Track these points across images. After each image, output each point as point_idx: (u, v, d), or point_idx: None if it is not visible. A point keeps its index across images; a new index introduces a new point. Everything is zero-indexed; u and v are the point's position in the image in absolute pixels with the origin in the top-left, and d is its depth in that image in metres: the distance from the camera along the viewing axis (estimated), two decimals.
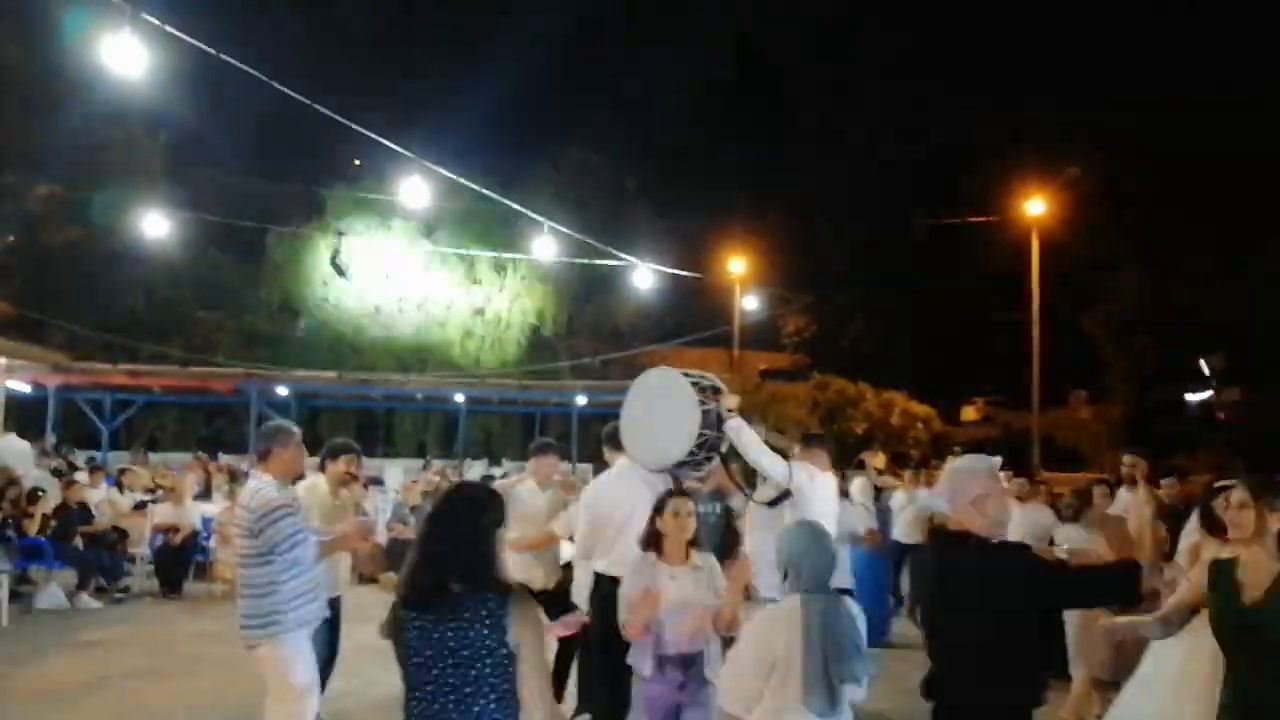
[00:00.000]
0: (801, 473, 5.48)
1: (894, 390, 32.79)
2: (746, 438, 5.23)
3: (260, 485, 5.45)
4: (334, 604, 6.32)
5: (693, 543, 4.75)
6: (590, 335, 35.40)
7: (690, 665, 4.59)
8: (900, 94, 46.13)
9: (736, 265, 35.21)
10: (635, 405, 5.60)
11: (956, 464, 4.01)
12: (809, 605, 3.91)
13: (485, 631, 3.02)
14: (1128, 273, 35.32)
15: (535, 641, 3.13)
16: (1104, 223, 34.68)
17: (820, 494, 5.53)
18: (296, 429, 5.74)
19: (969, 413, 39.92)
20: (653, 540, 4.73)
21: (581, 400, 26.71)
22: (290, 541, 5.29)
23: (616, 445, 6.19)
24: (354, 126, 11.24)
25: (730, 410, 5.19)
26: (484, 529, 3.18)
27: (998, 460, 3.99)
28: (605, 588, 5.46)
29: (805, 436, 6.56)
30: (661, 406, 5.34)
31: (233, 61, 9.41)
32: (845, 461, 24.55)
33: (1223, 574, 3.86)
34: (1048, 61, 44.98)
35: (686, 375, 5.42)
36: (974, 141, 39.43)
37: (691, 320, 35.04)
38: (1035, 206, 28.20)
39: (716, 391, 5.28)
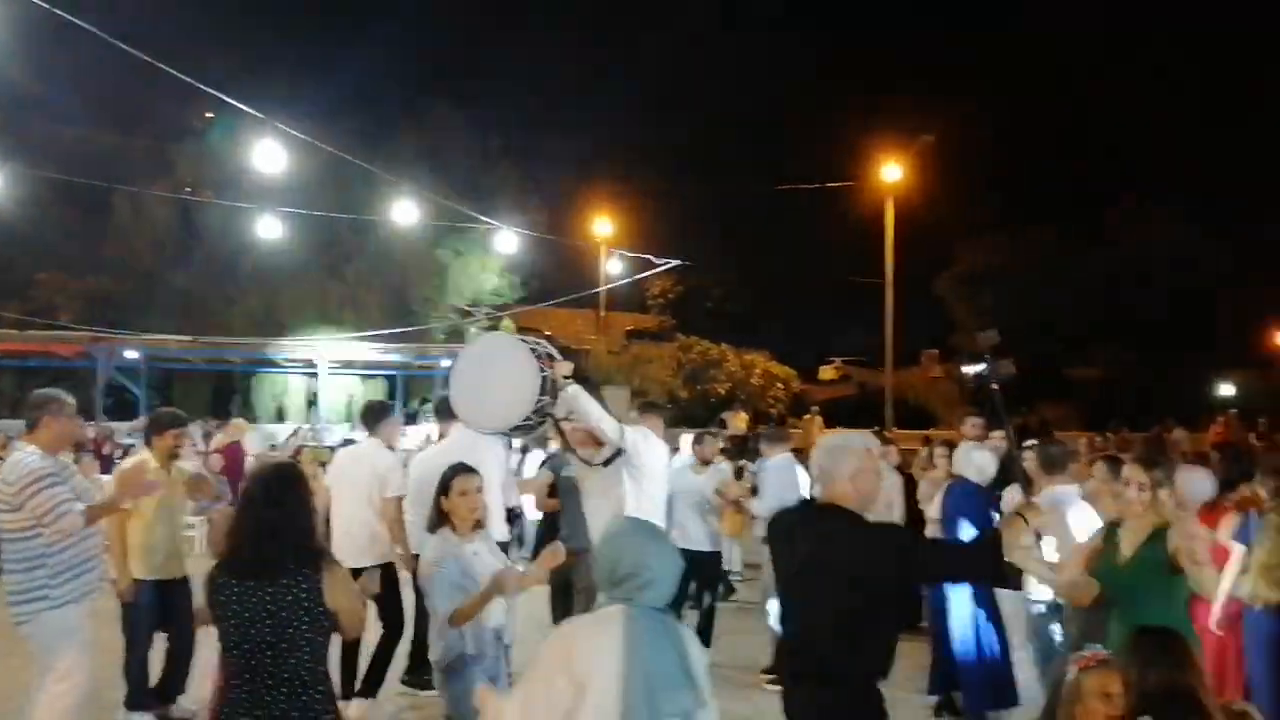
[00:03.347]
0: (636, 434, 5.62)
1: (756, 351, 33.52)
2: (584, 402, 5.34)
3: (22, 456, 5.25)
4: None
5: (479, 524, 4.72)
6: (455, 297, 35.06)
7: (500, 636, 4.64)
8: (764, 59, 46.69)
9: (603, 227, 35.29)
10: (469, 370, 5.65)
11: (833, 440, 4.10)
12: (634, 621, 3.07)
13: (304, 596, 3.44)
14: (979, 237, 36.86)
15: (349, 606, 3.60)
16: (956, 188, 36.01)
17: (654, 455, 5.68)
18: (70, 398, 5.57)
19: (827, 373, 41.08)
20: (441, 520, 4.62)
21: (446, 363, 26.50)
22: (55, 512, 5.11)
23: (447, 416, 6.24)
24: (201, 87, 10.86)
25: (566, 377, 5.30)
26: (294, 504, 3.59)
27: (875, 441, 4.16)
28: None
29: (642, 404, 6.70)
30: (499, 371, 5.40)
31: (68, 17, 8.98)
32: (708, 421, 25.08)
33: (1109, 536, 4.61)
34: (909, 31, 46.18)
35: (524, 340, 5.51)
36: (834, 108, 40.27)
37: (558, 281, 35.05)
38: (891, 172, 29.05)
39: (552, 358, 5.38)
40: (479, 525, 4.71)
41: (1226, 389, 39.97)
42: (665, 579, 3.15)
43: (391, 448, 7.24)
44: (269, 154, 15.05)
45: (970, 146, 36.38)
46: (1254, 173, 39.99)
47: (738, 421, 15.02)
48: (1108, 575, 4.55)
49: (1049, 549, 5.30)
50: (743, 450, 12.79)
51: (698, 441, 8.16)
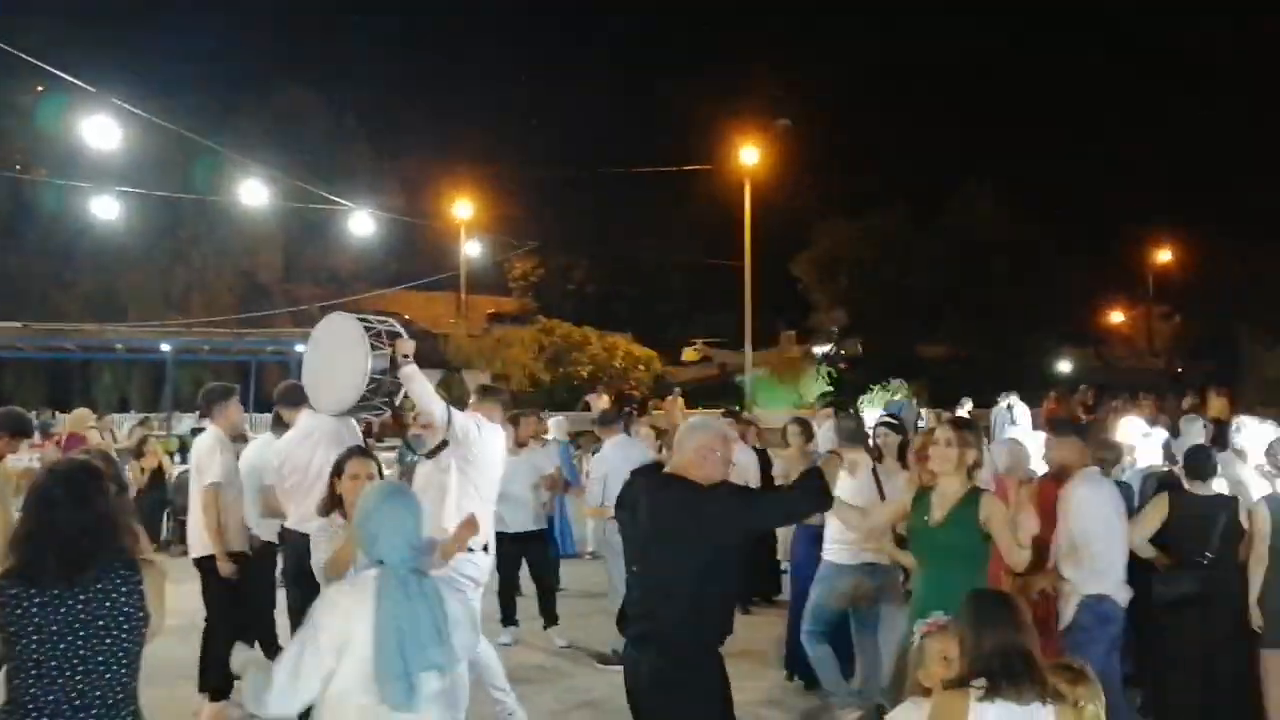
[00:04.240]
0: (468, 421, 5.55)
1: (618, 334, 33.65)
2: (416, 384, 5.25)
3: None
4: None
5: None
6: (310, 281, 34.10)
7: None
8: (625, 40, 46.79)
9: (462, 209, 34.82)
10: (314, 353, 5.55)
11: (692, 420, 4.29)
12: (385, 579, 3.34)
13: (122, 601, 3.13)
14: (834, 220, 37.77)
15: (162, 608, 3.28)
16: (812, 172, 36.82)
17: (487, 443, 5.61)
18: None
19: (689, 354, 41.47)
20: (334, 503, 4.48)
21: (301, 348, 25.74)
22: None
23: (292, 402, 6.10)
24: (30, 59, 10.24)
25: (406, 356, 5.20)
26: (105, 503, 3.25)
27: (730, 428, 4.26)
28: (296, 540, 5.42)
29: (481, 388, 6.59)
30: (337, 352, 5.31)
31: None
32: (571, 404, 25.03)
33: (921, 499, 4.78)
34: (769, 14, 46.94)
35: (362, 319, 5.40)
36: (693, 93, 40.65)
37: (417, 264, 34.44)
38: (749, 155, 29.52)
39: (394, 336, 5.27)
40: None
41: (1064, 365, 42.12)
42: (388, 536, 3.39)
43: (241, 434, 6.97)
44: (103, 130, 14.31)
45: (826, 130, 37.20)
46: (1094, 157, 41.91)
47: (601, 404, 15.14)
48: (918, 536, 4.76)
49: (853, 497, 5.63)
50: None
51: (512, 423, 8.12)
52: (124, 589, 3.15)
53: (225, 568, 6.29)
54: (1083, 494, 5.40)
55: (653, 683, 3.85)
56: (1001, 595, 3.56)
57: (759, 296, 29.45)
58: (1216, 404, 9.20)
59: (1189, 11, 45.46)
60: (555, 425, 12.38)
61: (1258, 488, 6.16)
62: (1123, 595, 5.31)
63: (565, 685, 7.25)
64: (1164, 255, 40.77)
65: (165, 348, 26.86)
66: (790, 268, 37.71)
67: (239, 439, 7.02)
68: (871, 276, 35.41)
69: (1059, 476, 5.68)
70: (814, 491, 4.15)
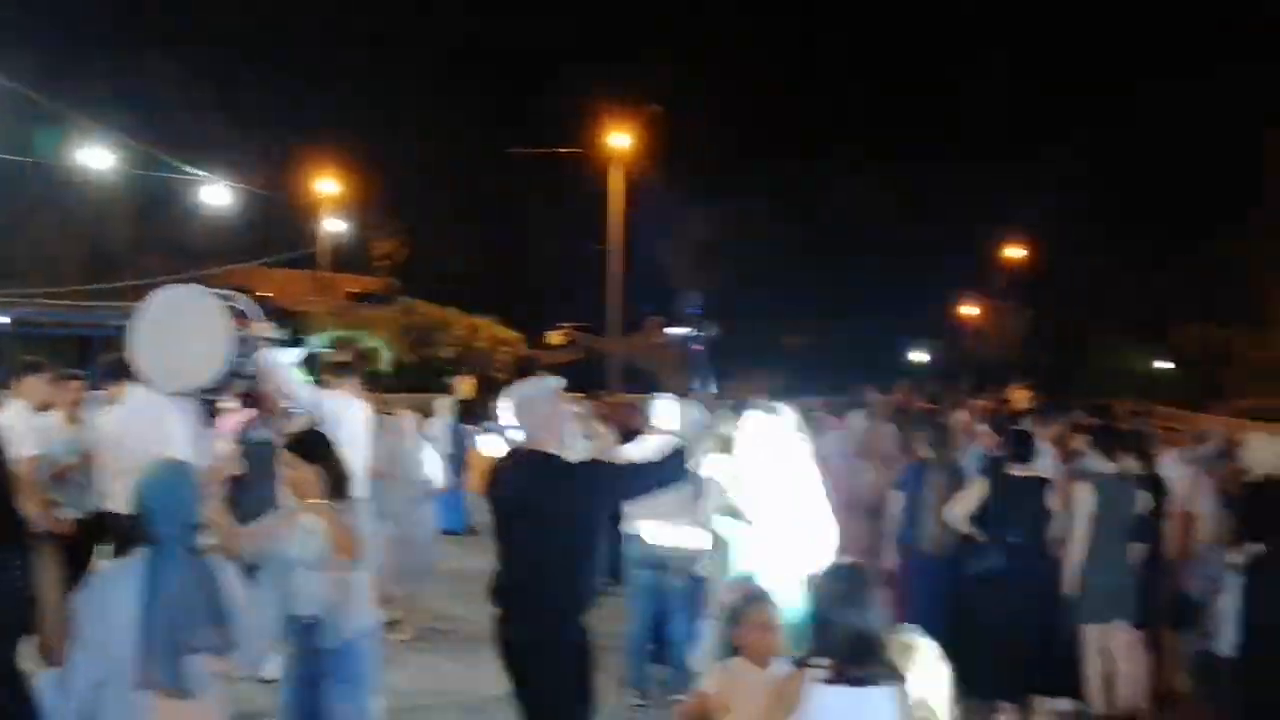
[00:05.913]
0: (335, 402, 5.48)
1: (484, 316, 33.35)
2: (278, 367, 5.16)
3: None
4: None
5: None
6: (161, 252, 32.71)
7: None
8: (499, 20, 46.24)
9: (325, 184, 33.97)
10: (154, 327, 5.33)
11: (522, 389, 4.29)
12: (156, 561, 3.27)
13: (16, 578, 3.09)
14: (702, 207, 38.21)
15: (56, 586, 3.22)
16: (684, 158, 37.10)
17: (351, 422, 5.55)
18: None
19: (555, 337, 41.37)
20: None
21: None
22: None
23: (119, 376, 5.91)
24: None
25: (263, 336, 5.10)
26: None
27: (559, 382, 4.30)
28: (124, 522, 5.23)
29: (335, 365, 6.49)
30: (186, 328, 5.14)
31: None
32: (435, 386, 24.73)
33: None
34: (644, 3, 47.00)
35: (219, 296, 5.25)
36: (561, 74, 40.47)
37: (276, 240, 33.40)
38: (619, 140, 29.63)
39: (244, 316, 5.16)
40: None
41: (920, 356, 43.62)
42: (162, 512, 3.32)
43: (47, 407, 6.72)
44: None
45: (698, 116, 37.47)
46: (957, 146, 43.16)
47: (465, 386, 14.98)
48: (727, 514, 5.07)
49: None
50: (471, 415, 12.93)
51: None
52: (19, 566, 3.11)
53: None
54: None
55: (524, 653, 3.95)
56: (855, 572, 3.57)
57: (628, 281, 29.63)
58: (1019, 395, 9.81)
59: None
60: (439, 405, 12.59)
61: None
62: None
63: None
64: (1017, 252, 42.51)
65: (3, 320, 25.46)
66: (659, 253, 37.96)
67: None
68: (733, 265, 35.96)
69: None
70: (677, 461, 4.24)
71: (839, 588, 3.31)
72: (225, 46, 38.08)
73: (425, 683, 6.78)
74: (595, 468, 4.22)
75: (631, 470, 4.42)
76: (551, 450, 4.02)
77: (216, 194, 21.60)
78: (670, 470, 4.37)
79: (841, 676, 3.12)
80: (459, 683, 6.75)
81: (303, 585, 4.26)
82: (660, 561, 6.29)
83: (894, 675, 3.19)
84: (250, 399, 6.49)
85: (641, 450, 8.07)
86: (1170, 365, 37.47)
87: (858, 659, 3.13)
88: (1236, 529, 6.02)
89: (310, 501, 4.34)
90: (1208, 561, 6.48)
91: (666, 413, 8.42)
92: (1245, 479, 6.24)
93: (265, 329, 5.10)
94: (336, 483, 4.47)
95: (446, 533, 10.48)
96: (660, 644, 6.51)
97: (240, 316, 5.07)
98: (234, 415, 6.53)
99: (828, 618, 3.22)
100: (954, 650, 4.87)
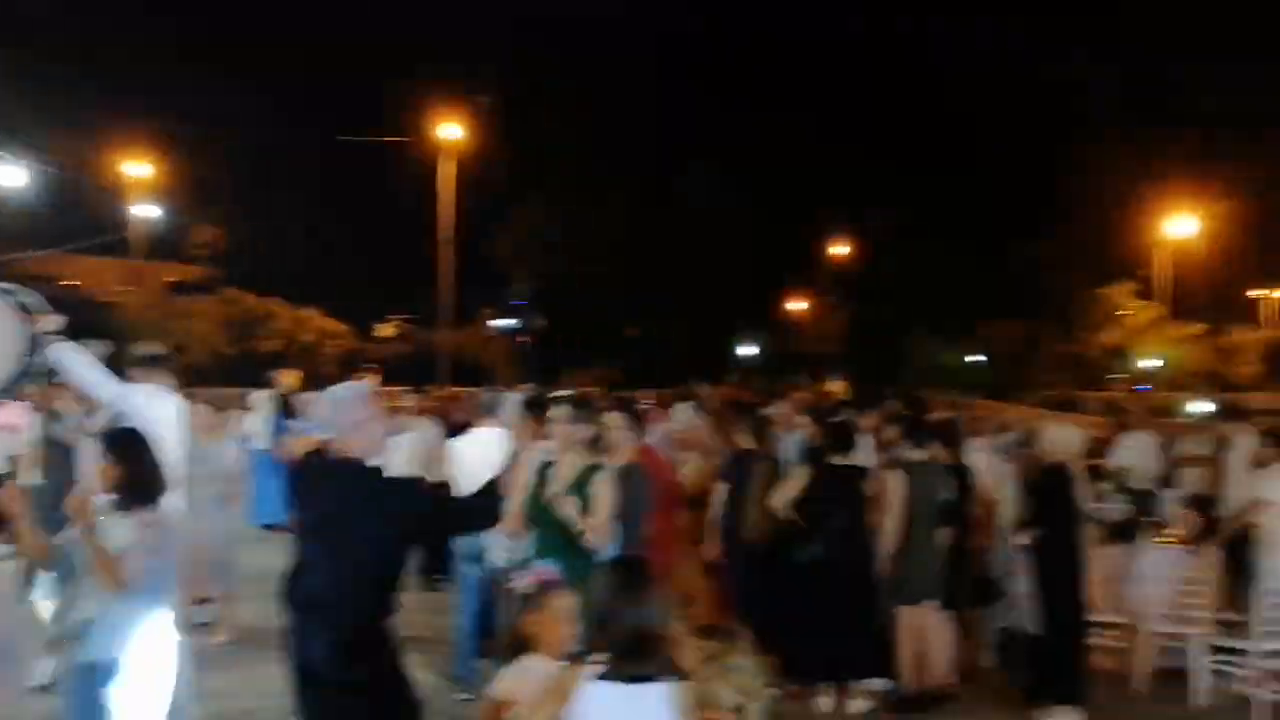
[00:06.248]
0: (139, 394, 5.23)
1: (310, 307, 32.41)
2: (73, 362, 4.89)
3: None
4: None
5: None
6: None
7: None
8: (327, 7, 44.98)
9: (137, 168, 32.23)
10: None
11: (334, 392, 4.19)
12: None
13: None
14: (532, 198, 38.09)
15: None
16: (515, 150, 36.88)
17: (160, 416, 5.30)
18: None
19: (385, 330, 40.59)
20: None
21: None
22: None
23: None
24: None
25: (53, 332, 4.80)
26: None
27: (369, 385, 4.22)
28: None
29: (147, 357, 6.15)
30: None
31: None
32: (256, 379, 23.86)
33: (542, 471, 5.28)
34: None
35: (4, 291, 4.91)
36: (394, 65, 39.64)
37: (81, 224, 31.48)
38: (449, 131, 29.28)
39: (28, 310, 4.83)
40: None
41: (748, 349, 44.68)
42: None
43: None
44: None
45: (531, 108, 37.27)
46: (791, 147, 44.22)
47: (289, 380, 14.50)
48: (533, 505, 5.24)
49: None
50: (294, 410, 12.54)
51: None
52: None
53: None
54: None
55: (320, 659, 3.83)
56: (639, 566, 3.56)
57: (460, 273, 29.34)
58: (837, 388, 10.29)
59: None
60: (257, 399, 12.64)
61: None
62: None
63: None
64: (841, 249, 43.96)
65: None
66: (488, 245, 37.69)
67: None
68: (563, 257, 36.05)
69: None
70: (492, 510, 4.31)
71: (619, 582, 3.27)
72: (28, 17, 35.71)
73: (247, 685, 6.54)
74: (409, 495, 4.07)
75: (448, 512, 4.24)
76: (362, 455, 3.92)
77: (12, 174, 20.13)
78: (487, 518, 4.41)
79: (617, 673, 3.09)
80: (283, 684, 6.54)
81: (80, 591, 4.10)
82: (486, 555, 6.27)
83: (672, 672, 3.14)
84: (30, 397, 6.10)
85: (472, 448, 8.06)
86: (982, 359, 39.69)
87: (635, 655, 3.10)
88: (1022, 514, 6.50)
89: (91, 513, 4.11)
90: (1007, 544, 6.91)
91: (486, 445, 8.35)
92: (1039, 466, 6.67)
93: (52, 322, 4.77)
94: (148, 483, 4.28)
95: (267, 528, 10.18)
96: (488, 637, 6.48)
97: (22, 310, 4.72)
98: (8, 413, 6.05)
99: (607, 612, 3.18)
100: (775, 636, 5.08)
